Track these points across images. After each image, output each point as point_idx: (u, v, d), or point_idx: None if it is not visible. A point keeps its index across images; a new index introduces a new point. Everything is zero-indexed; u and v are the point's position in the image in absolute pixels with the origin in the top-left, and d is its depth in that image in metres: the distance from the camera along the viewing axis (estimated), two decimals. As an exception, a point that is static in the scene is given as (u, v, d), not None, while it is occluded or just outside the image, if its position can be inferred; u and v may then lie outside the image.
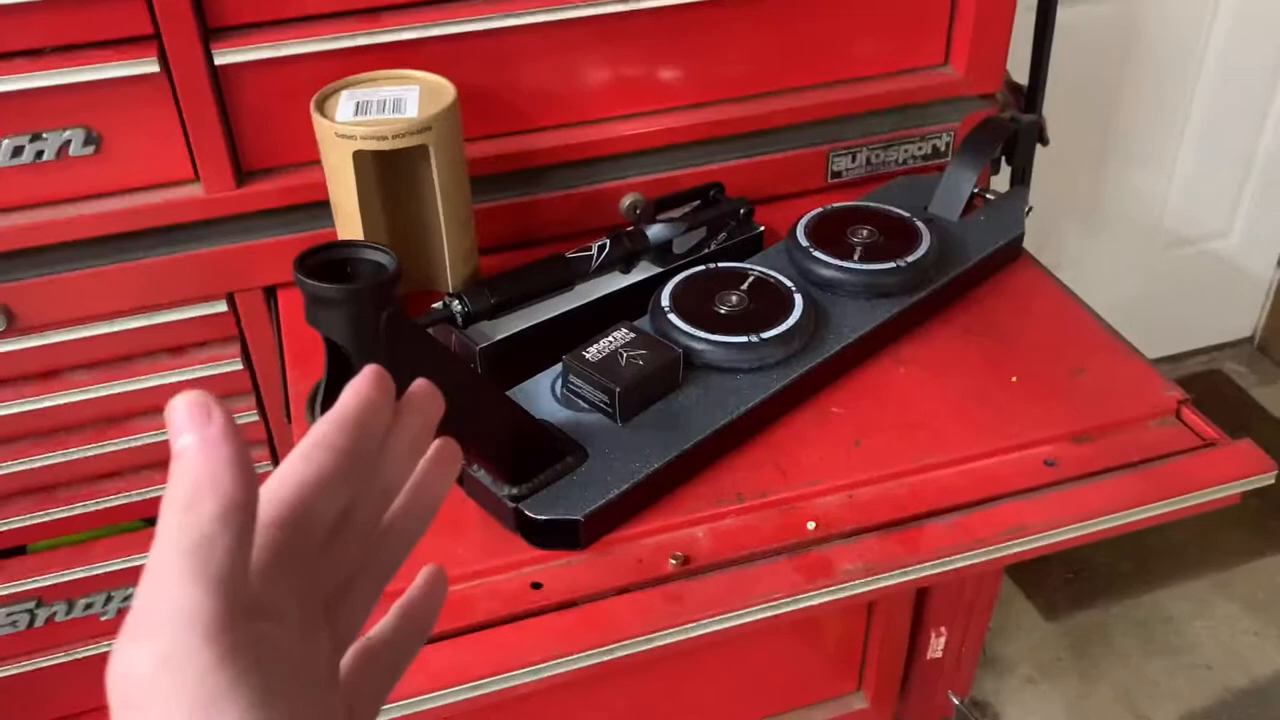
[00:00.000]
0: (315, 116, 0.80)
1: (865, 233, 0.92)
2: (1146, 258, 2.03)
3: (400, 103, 0.82)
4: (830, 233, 0.92)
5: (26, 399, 0.98)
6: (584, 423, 0.78)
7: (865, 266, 0.88)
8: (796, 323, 0.83)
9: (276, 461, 1.07)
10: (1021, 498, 0.76)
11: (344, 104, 0.83)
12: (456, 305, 0.84)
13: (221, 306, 0.98)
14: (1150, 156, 1.89)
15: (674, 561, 0.72)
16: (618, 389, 0.76)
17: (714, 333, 0.81)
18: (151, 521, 1.08)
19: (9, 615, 1.09)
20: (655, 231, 0.92)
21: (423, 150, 0.81)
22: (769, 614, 0.69)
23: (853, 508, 0.76)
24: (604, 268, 0.90)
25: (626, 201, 1.03)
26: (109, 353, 0.98)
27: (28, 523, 1.07)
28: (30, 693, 1.14)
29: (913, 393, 0.85)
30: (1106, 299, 1.99)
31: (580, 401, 0.79)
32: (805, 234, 0.92)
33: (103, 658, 0.31)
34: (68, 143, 0.88)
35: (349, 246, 0.60)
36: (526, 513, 0.71)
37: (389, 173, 0.86)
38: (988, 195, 1.01)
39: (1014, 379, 0.86)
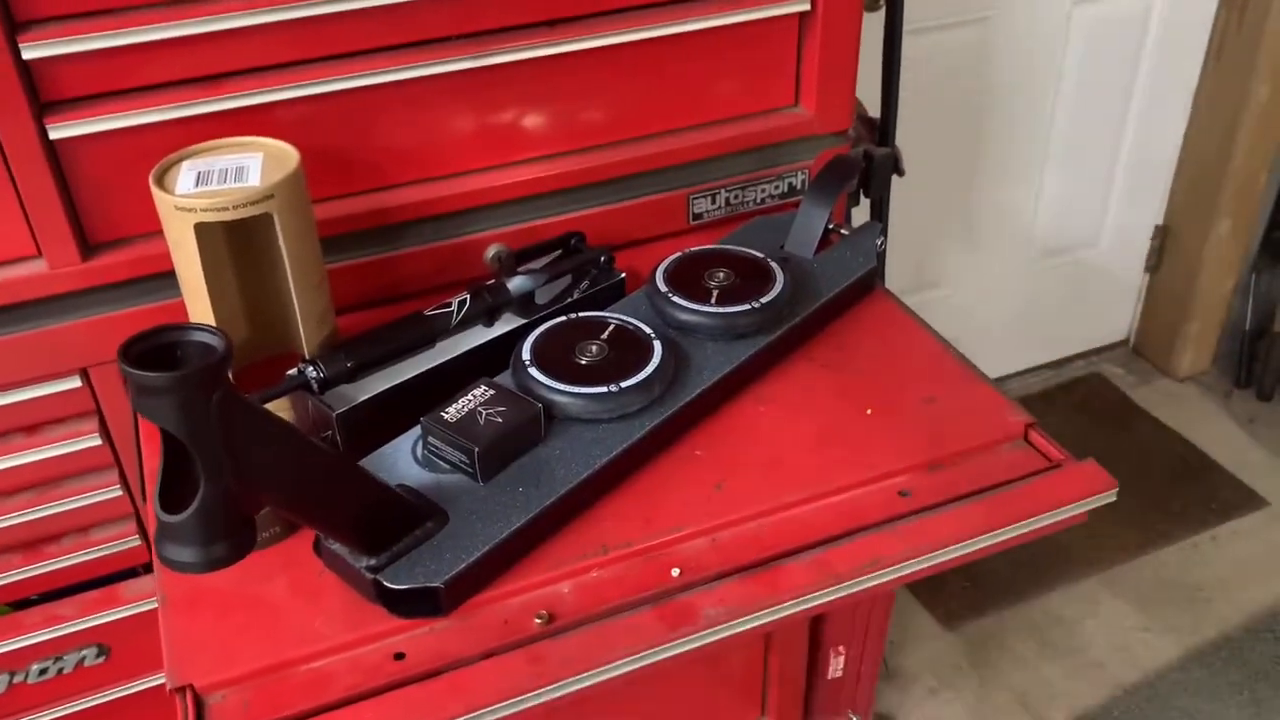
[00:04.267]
0: (155, 190, 0.79)
1: (722, 275, 0.93)
2: (1022, 270, 2.10)
3: (242, 171, 0.81)
4: (688, 276, 0.94)
5: None
6: (446, 484, 0.78)
7: (722, 310, 0.90)
8: (655, 369, 0.84)
9: (144, 537, 1.05)
10: (878, 530, 0.78)
11: (184, 175, 0.81)
12: (311, 371, 0.83)
13: (75, 382, 0.96)
14: (1018, 174, 1.96)
15: (539, 620, 0.72)
16: (476, 449, 0.76)
17: (575, 384, 0.82)
18: (13, 605, 1.05)
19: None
20: (517, 283, 0.93)
21: (268, 218, 0.80)
22: (631, 667, 0.70)
23: (716, 550, 0.77)
24: (465, 323, 0.90)
25: (490, 253, 1.03)
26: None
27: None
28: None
29: (773, 431, 0.87)
30: (988, 312, 2.08)
31: (441, 463, 0.79)
32: (664, 279, 0.93)
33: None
34: (-103, 226, 0.85)
35: (175, 330, 0.59)
36: (385, 583, 0.71)
37: (236, 240, 0.85)
38: (842, 230, 1.04)
39: (869, 411, 0.88)
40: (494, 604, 0.74)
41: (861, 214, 1.27)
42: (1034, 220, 2.05)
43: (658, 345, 0.86)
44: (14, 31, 0.82)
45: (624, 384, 0.82)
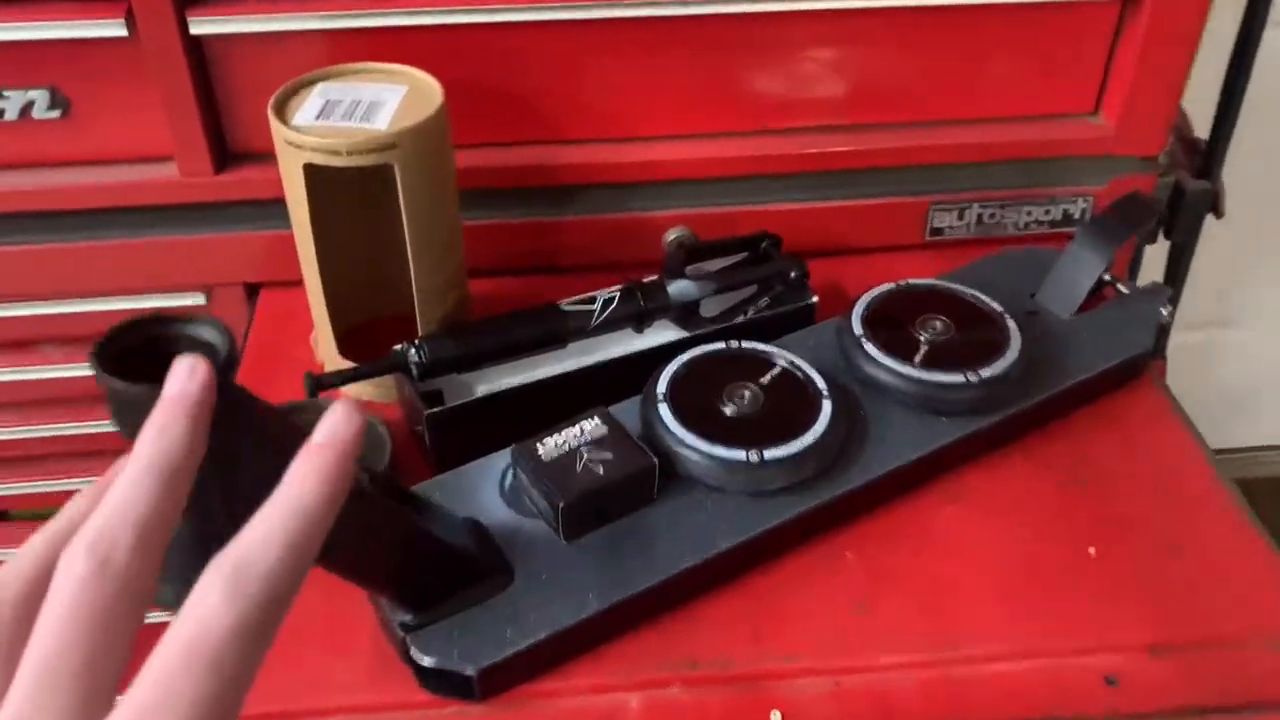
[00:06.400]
0: (270, 115, 0.67)
1: (939, 325, 0.73)
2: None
3: (374, 108, 0.68)
4: (895, 317, 0.74)
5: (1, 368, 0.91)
6: (525, 531, 0.63)
7: (926, 375, 0.70)
8: (816, 441, 0.65)
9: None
10: (1061, 728, 0.58)
11: (311, 101, 0.69)
12: (412, 354, 0.70)
13: (200, 299, 0.88)
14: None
15: (588, 738, 0.58)
16: (562, 504, 0.61)
17: (709, 439, 0.65)
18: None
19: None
20: (679, 288, 0.76)
21: (389, 169, 0.67)
22: (678, 845, 0.54)
23: (836, 699, 0.60)
24: (609, 325, 0.75)
25: (671, 236, 0.86)
26: (85, 330, 0.89)
27: (12, 491, 1.01)
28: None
29: (955, 544, 0.67)
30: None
31: (527, 501, 0.65)
32: (863, 317, 0.74)
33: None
34: (31, 103, 0.78)
35: (168, 322, 0.47)
36: (412, 651, 0.58)
37: (358, 183, 0.72)
38: (1119, 286, 0.80)
39: (1091, 550, 0.66)
40: (543, 699, 0.59)
41: (1154, 260, 1.01)
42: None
43: (827, 407, 0.67)
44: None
45: (770, 454, 0.64)
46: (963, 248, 0.90)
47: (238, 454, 0.45)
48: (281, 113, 0.68)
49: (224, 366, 0.45)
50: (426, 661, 0.57)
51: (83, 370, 0.90)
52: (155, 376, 0.45)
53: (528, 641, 0.58)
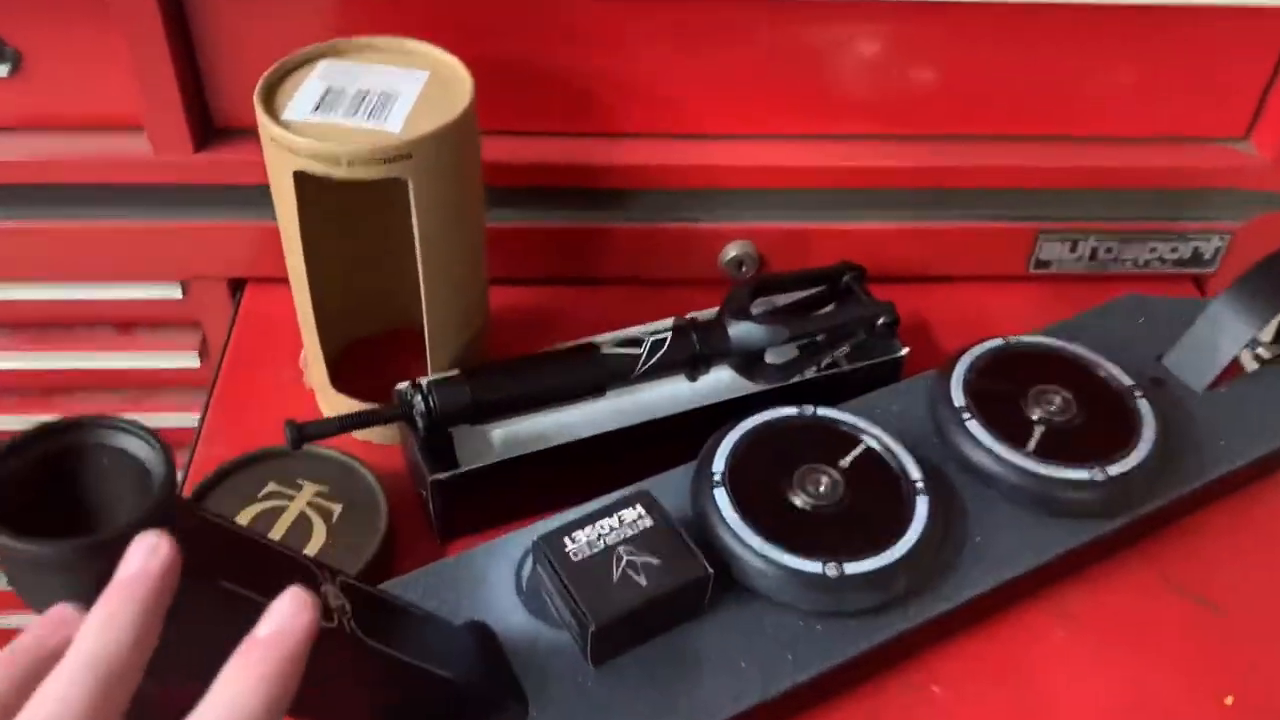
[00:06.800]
0: (258, 105, 0.54)
1: (1058, 401, 0.60)
2: None
3: (386, 100, 0.55)
4: (1004, 388, 0.61)
5: (-60, 354, 0.78)
6: (543, 643, 0.52)
7: (1043, 468, 0.57)
8: (909, 553, 0.53)
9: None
10: None
11: (309, 87, 0.56)
12: (418, 401, 0.57)
13: (176, 291, 0.75)
14: None
15: None
16: (593, 627, 0.49)
17: (777, 541, 0.53)
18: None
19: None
20: (743, 331, 0.63)
21: (402, 184, 0.53)
22: None
23: None
24: (656, 370, 0.62)
25: (731, 253, 0.73)
26: (36, 317, 0.76)
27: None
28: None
29: (1063, 680, 0.55)
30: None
31: (549, 606, 0.53)
32: (965, 385, 0.61)
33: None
34: (-26, 57, 0.65)
35: (85, 427, 0.34)
36: (397, 807, 0.46)
37: (363, 187, 0.59)
38: (1260, 352, 0.67)
39: (1229, 699, 0.54)
40: None
41: None
42: None
43: (922, 505, 0.55)
44: None
45: (851, 568, 0.52)
46: (1070, 284, 0.77)
47: (183, 628, 0.34)
48: (270, 101, 0.54)
49: (160, 501, 0.33)
50: (414, 824, 0.46)
51: (36, 360, 0.78)
52: (65, 520, 0.33)
53: (540, 804, 0.46)
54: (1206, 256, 0.75)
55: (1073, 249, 0.74)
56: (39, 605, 0.33)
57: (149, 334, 0.78)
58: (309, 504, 0.59)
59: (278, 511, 0.58)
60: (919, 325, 0.73)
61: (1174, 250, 0.75)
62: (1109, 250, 0.75)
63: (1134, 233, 0.74)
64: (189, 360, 0.78)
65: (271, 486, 0.59)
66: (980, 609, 0.56)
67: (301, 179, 0.53)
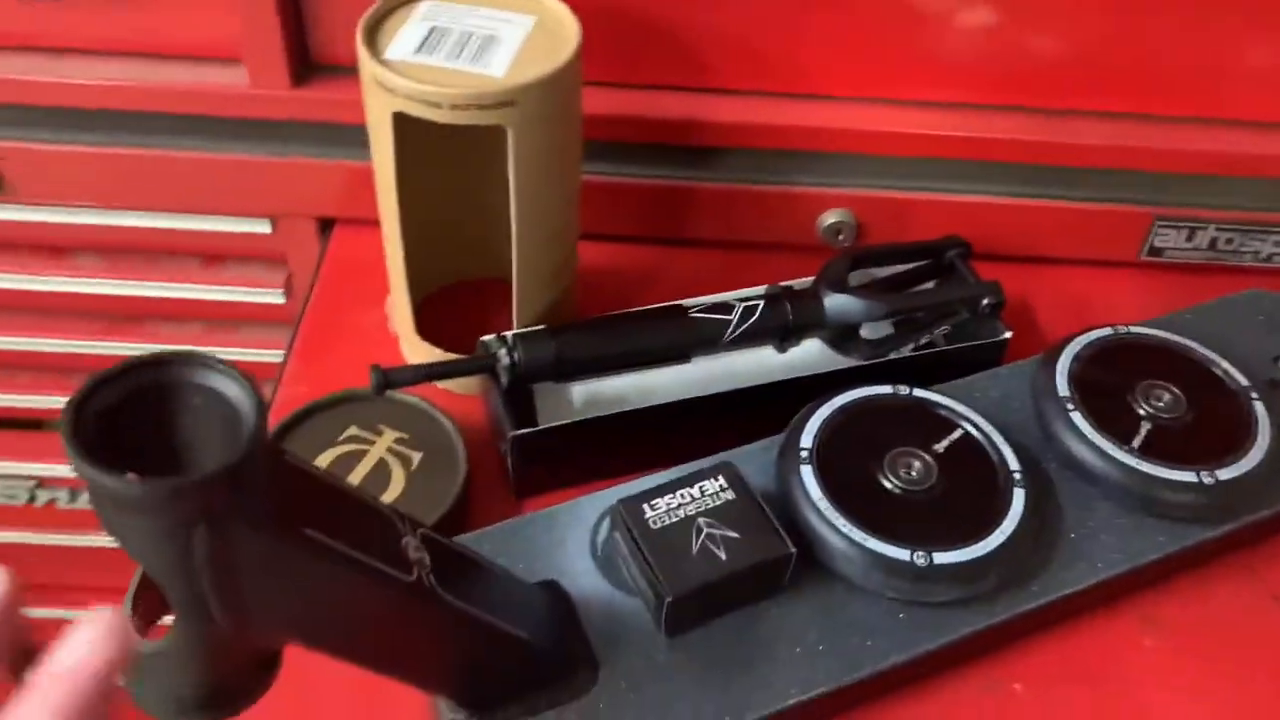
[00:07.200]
0: (360, 42, 0.53)
1: (1166, 398, 0.57)
2: None
3: (490, 44, 0.53)
4: (1112, 380, 0.58)
5: (32, 275, 0.79)
6: (617, 610, 0.51)
7: (1148, 467, 0.54)
8: (1002, 546, 0.51)
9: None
10: None
11: (412, 27, 0.54)
12: (503, 355, 0.56)
13: (265, 226, 0.75)
14: None
15: None
16: (670, 598, 0.48)
17: (865, 525, 0.51)
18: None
19: (8, 489, 0.94)
20: (839, 304, 0.61)
21: (500, 130, 0.52)
22: None
23: None
24: (746, 338, 0.60)
25: (829, 220, 0.71)
26: (125, 242, 0.77)
27: (49, 402, 0.91)
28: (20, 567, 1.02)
29: (1153, 690, 0.53)
30: None
31: (624, 572, 0.52)
32: (1070, 375, 0.58)
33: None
34: (78, -21, 0.65)
35: (178, 364, 0.33)
36: (460, 767, 0.46)
37: (461, 131, 0.58)
38: (1388, 360, 0.63)
39: (1335, 725, 0.52)
40: (618, 836, 0.47)
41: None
42: None
43: (1019, 497, 0.53)
44: None
45: (941, 558, 0.50)
46: (1184, 274, 0.73)
47: (273, 571, 0.33)
48: (373, 39, 0.53)
49: (248, 452, 0.32)
50: (479, 786, 0.45)
51: (121, 286, 0.78)
52: (152, 457, 0.32)
53: (606, 775, 0.46)
54: (1335, 253, 0.71)
55: (1189, 237, 0.71)
56: (127, 545, 0.32)
57: (236, 267, 0.78)
58: (389, 450, 0.58)
59: (358, 456, 0.58)
60: (1020, 307, 0.70)
61: (1299, 245, 0.71)
62: (1229, 241, 0.71)
63: (1257, 224, 0.70)
64: (274, 296, 0.78)
65: (352, 430, 0.59)
66: (1068, 608, 0.54)
67: (399, 120, 0.52)
